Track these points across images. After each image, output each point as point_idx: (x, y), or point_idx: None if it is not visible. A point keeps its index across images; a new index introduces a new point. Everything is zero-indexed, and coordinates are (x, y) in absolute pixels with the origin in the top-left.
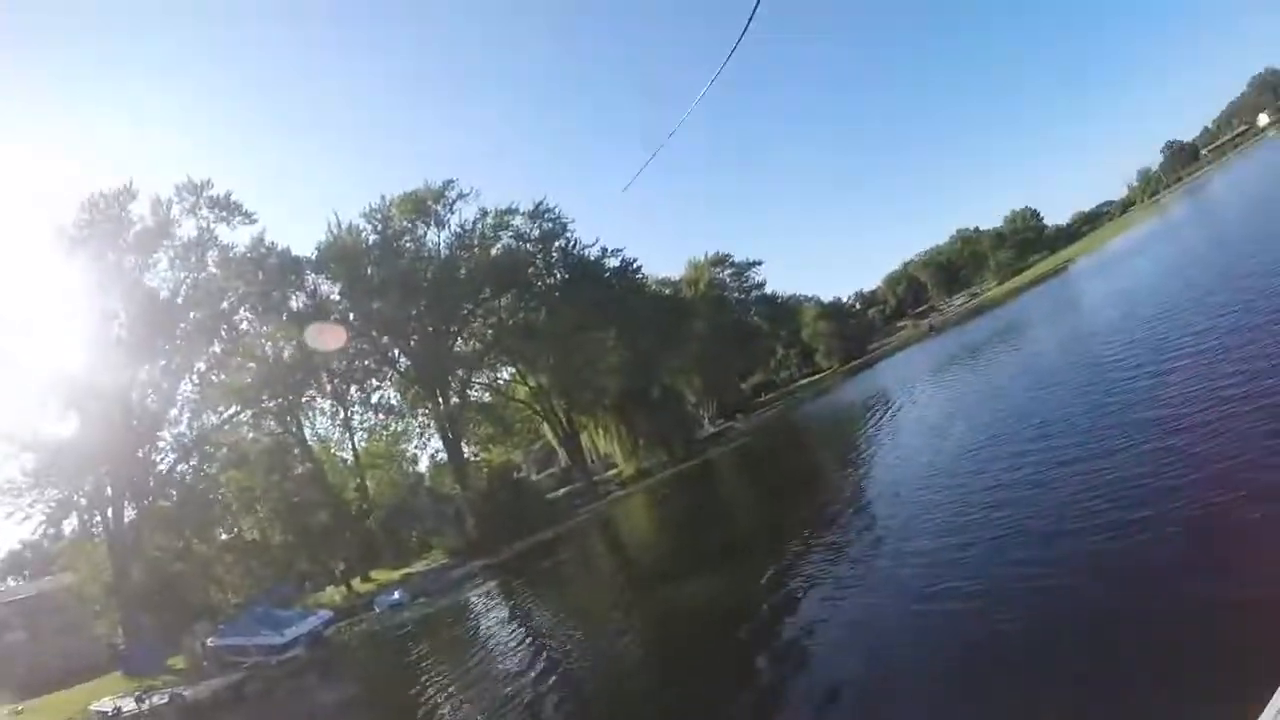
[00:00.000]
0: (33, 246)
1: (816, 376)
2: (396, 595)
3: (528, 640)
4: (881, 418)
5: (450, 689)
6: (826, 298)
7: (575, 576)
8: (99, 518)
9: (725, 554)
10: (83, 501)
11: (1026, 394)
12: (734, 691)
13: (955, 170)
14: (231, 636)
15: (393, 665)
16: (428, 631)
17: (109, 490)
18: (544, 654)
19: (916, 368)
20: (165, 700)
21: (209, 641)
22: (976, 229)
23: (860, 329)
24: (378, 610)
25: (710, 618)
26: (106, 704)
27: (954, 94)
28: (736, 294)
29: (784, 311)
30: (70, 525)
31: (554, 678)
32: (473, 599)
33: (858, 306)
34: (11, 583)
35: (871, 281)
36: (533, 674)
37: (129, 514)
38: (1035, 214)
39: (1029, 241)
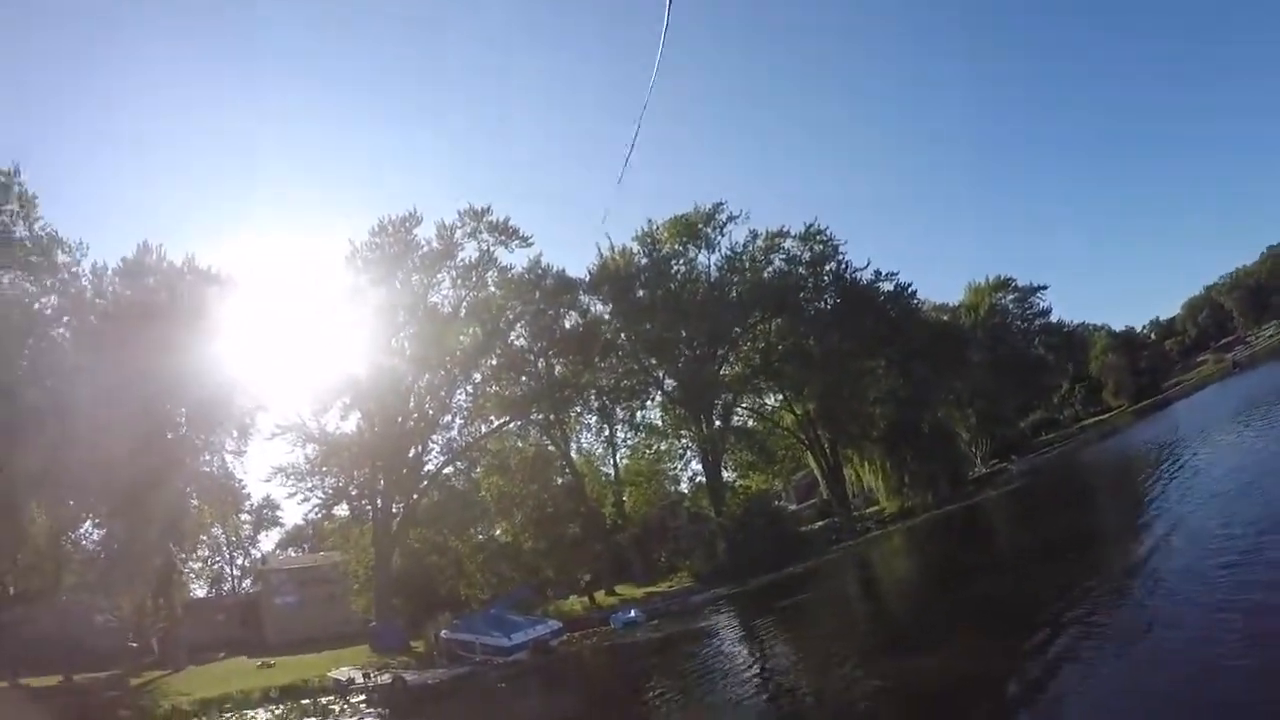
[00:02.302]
0: (331, 264)
1: (1103, 416)
2: (633, 613)
3: (751, 680)
4: (1170, 475)
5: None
6: (1118, 326)
7: (818, 619)
8: (368, 506)
9: (978, 620)
10: (353, 491)
11: None
12: None
13: (1267, 174)
14: (463, 632)
15: (611, 682)
16: (655, 652)
17: (380, 483)
18: (763, 699)
19: (1215, 413)
20: (388, 680)
21: (442, 634)
22: None
23: (1155, 363)
24: (612, 625)
25: (946, 701)
26: (343, 673)
27: (1261, 86)
28: (1019, 321)
29: (1070, 342)
30: (342, 510)
31: None
32: (708, 627)
33: (1153, 337)
34: (291, 553)
35: (1169, 309)
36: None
37: (396, 506)
38: None
39: None
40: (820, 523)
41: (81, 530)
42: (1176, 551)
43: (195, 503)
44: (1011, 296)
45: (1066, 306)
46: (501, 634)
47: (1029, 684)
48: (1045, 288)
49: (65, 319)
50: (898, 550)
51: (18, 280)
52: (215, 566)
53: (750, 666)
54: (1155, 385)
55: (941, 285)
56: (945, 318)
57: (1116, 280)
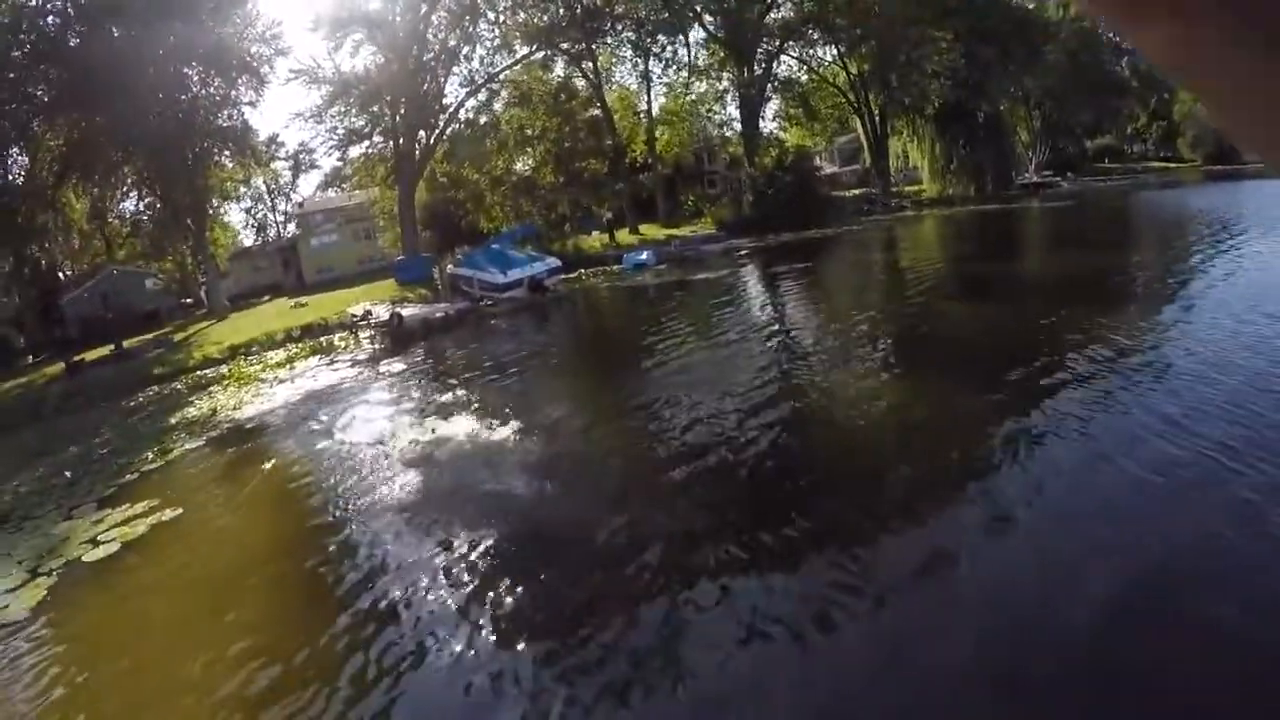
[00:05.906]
0: None
1: (1171, 165)
2: (644, 255)
3: (741, 335)
4: (1228, 253)
5: (607, 358)
6: None
7: (831, 285)
8: (389, 143)
9: (989, 333)
10: (366, 129)
11: None
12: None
13: None
14: (465, 268)
15: (596, 324)
16: (654, 297)
17: (398, 118)
18: (749, 359)
19: None
20: (385, 315)
21: (449, 269)
22: None
23: None
24: (622, 266)
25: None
26: (359, 309)
27: None
28: (1112, 33)
29: (1160, 75)
30: (361, 150)
31: (742, 393)
32: (714, 278)
33: None
34: (331, 193)
35: None
36: (722, 379)
37: (416, 143)
38: None
39: None
40: (857, 191)
41: (123, 205)
42: (1201, 322)
43: (220, 158)
44: None
45: None
46: (497, 270)
47: (1021, 423)
48: None
49: (52, 4)
50: (926, 237)
51: None
52: (259, 215)
53: (742, 321)
54: (1236, 152)
55: None
56: (1030, 4)
57: None
